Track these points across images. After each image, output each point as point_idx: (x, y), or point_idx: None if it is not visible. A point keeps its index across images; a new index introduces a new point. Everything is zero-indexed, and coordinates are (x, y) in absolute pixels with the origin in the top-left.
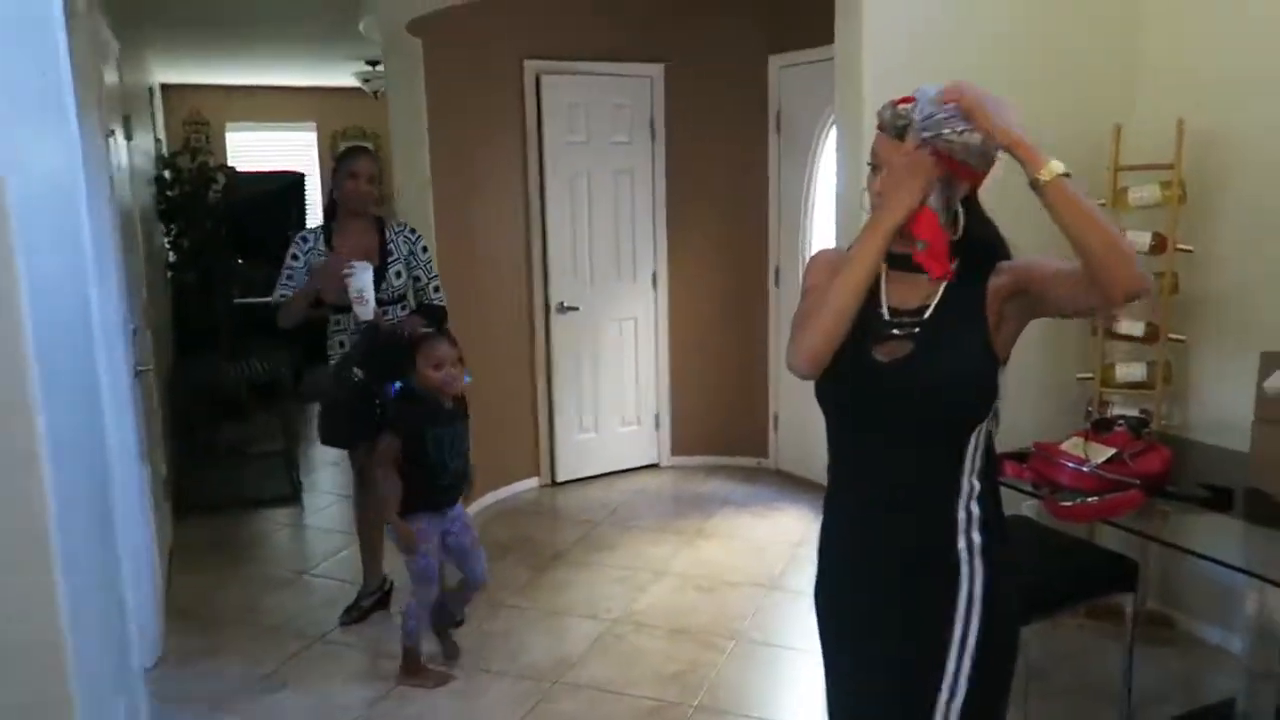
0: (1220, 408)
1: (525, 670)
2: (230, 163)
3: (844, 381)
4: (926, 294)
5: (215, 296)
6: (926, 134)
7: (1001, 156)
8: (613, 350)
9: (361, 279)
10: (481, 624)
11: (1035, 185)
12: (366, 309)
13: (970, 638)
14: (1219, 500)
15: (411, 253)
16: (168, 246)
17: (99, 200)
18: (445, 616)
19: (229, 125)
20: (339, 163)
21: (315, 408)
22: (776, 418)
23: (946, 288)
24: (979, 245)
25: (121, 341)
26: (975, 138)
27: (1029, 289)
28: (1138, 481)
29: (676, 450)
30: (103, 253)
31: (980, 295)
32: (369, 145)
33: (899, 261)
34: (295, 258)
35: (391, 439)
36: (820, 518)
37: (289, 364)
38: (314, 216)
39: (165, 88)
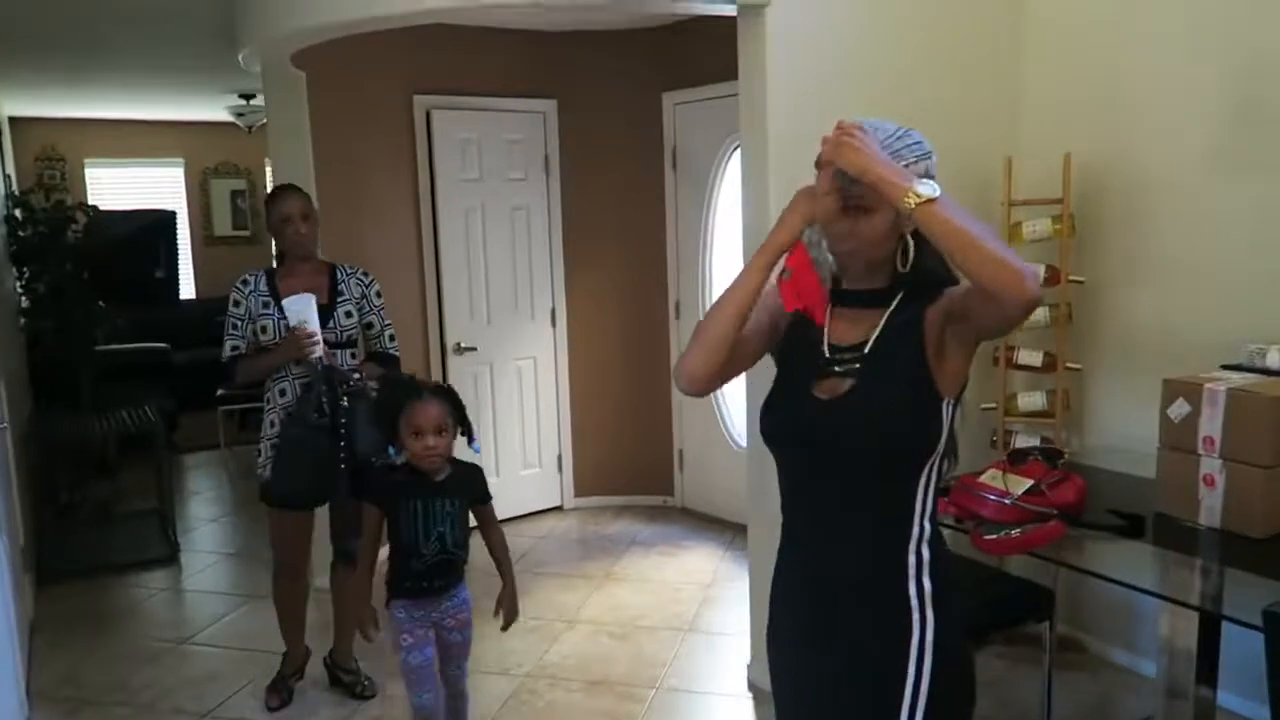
0: (1119, 434)
1: None
2: (91, 201)
3: (786, 421)
4: (868, 329)
5: (75, 344)
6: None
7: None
8: (512, 391)
9: (303, 309)
10: (386, 684)
11: (904, 215)
12: (315, 347)
13: (922, 690)
14: (1131, 528)
15: (364, 296)
16: (20, 291)
17: None
18: None
19: (88, 161)
20: (269, 207)
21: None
22: (681, 454)
23: (887, 321)
24: (927, 275)
25: None
26: (919, 168)
27: (960, 313)
28: (1056, 512)
29: (580, 491)
30: None
31: (918, 327)
32: (294, 184)
33: (844, 298)
34: (236, 304)
35: (369, 508)
36: (730, 555)
37: (161, 413)
38: (184, 256)
39: (14, 120)
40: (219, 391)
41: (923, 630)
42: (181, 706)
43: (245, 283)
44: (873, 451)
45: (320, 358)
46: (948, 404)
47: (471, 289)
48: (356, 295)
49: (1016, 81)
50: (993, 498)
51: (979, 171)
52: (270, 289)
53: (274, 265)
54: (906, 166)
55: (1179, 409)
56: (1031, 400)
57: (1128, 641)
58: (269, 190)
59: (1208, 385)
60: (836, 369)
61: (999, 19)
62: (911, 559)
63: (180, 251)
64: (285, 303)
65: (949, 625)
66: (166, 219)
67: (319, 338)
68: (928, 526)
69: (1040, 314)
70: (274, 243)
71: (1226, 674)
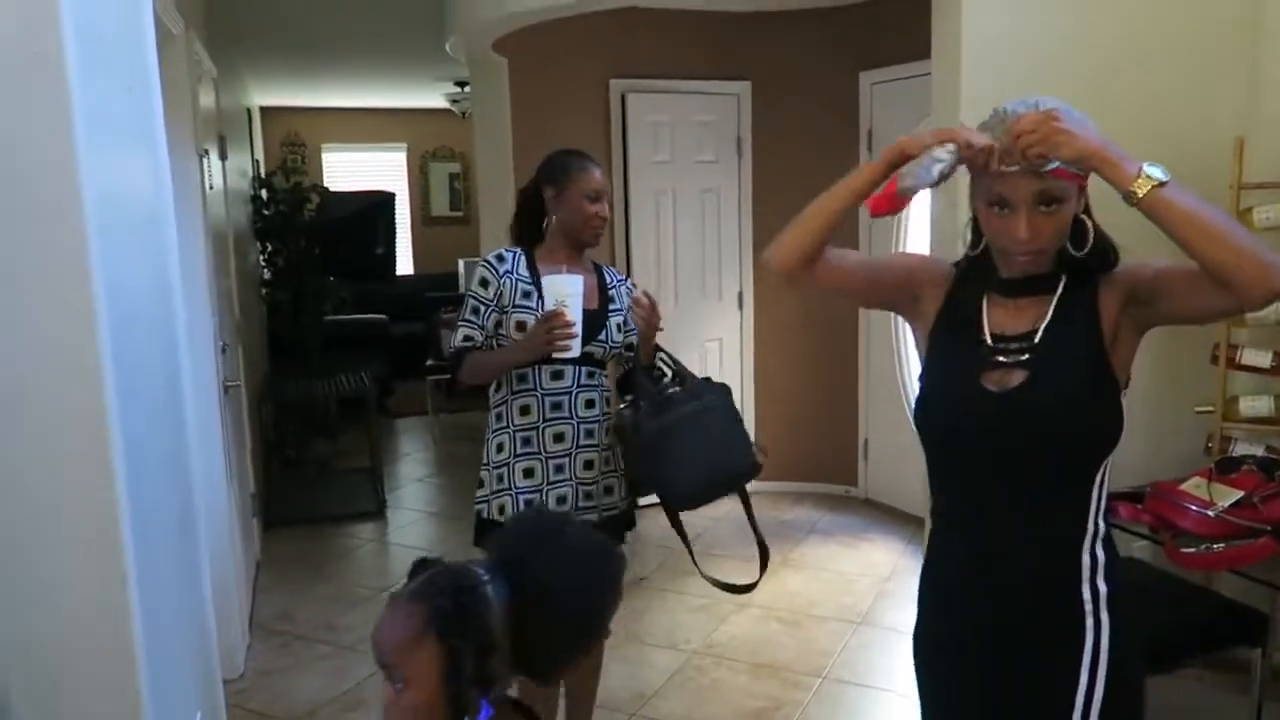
0: None
1: (602, 700)
2: (325, 183)
3: (952, 413)
4: (1034, 317)
5: (307, 314)
6: (1056, 164)
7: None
8: (697, 372)
9: (568, 291)
10: None
11: (1130, 200)
12: (570, 342)
13: (1095, 699)
14: None
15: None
16: (263, 264)
17: (190, 219)
18: None
19: (324, 146)
20: (559, 173)
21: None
22: (866, 444)
23: (1056, 308)
24: (1090, 257)
25: (210, 357)
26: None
27: (1146, 296)
28: (1269, 528)
29: (762, 475)
30: (192, 270)
31: (1094, 313)
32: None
33: (1001, 286)
34: (484, 283)
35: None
36: (911, 550)
37: (376, 381)
38: (402, 235)
39: (264, 110)
40: (429, 362)
41: (1097, 635)
42: None
43: (501, 260)
44: (1051, 447)
45: (576, 356)
46: (1123, 393)
47: (660, 270)
48: (625, 306)
49: (1255, 48)
50: (1194, 508)
51: (1202, 152)
52: (533, 274)
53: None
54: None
55: None
56: (1256, 405)
57: None
58: (556, 157)
59: None
60: (1002, 359)
61: None
62: (1086, 559)
63: (399, 230)
64: (546, 280)
65: (1125, 631)
66: (387, 199)
67: (577, 331)
68: (1103, 525)
69: (1271, 309)
70: (546, 222)
71: None
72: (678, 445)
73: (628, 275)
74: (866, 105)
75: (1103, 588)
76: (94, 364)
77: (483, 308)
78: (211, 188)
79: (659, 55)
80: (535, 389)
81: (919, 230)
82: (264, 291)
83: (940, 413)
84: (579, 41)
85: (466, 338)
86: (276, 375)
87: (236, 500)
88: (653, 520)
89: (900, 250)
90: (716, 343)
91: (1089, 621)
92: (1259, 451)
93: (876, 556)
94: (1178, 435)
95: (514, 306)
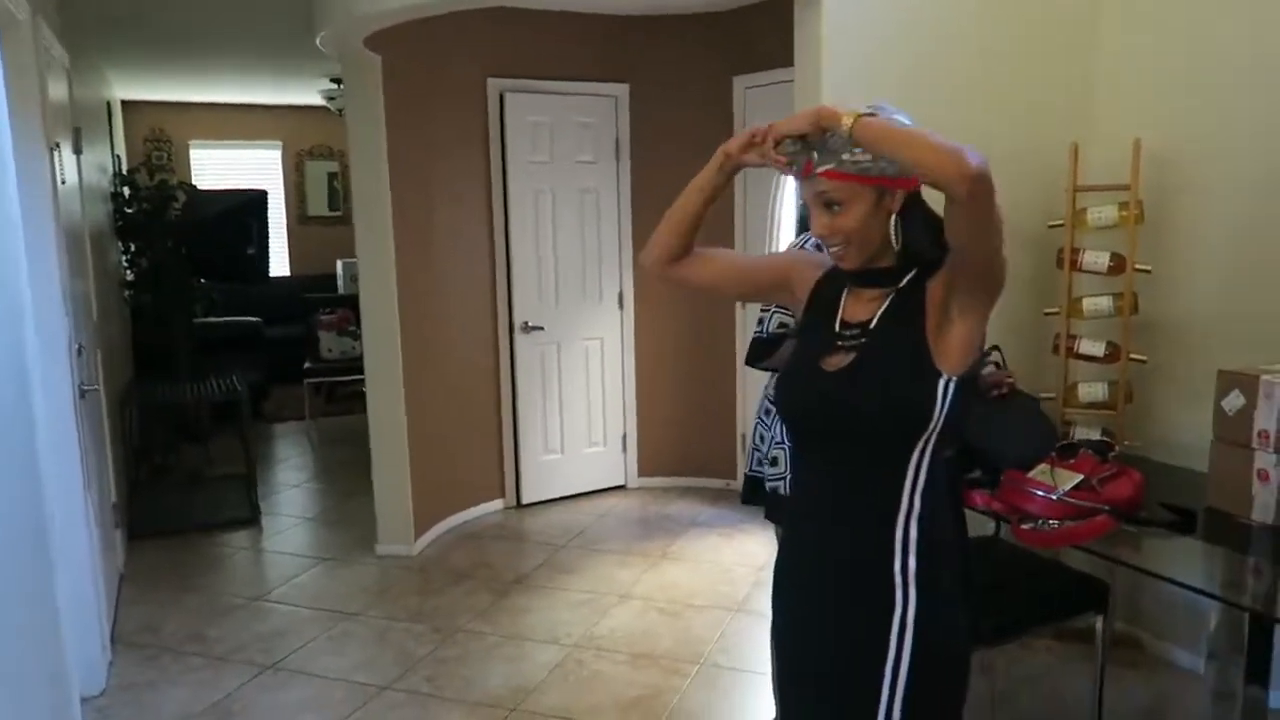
0: (1181, 428)
1: (482, 698)
2: (194, 180)
3: (794, 393)
4: (876, 306)
5: (174, 315)
6: (829, 166)
7: None
8: (578, 370)
9: None
10: (438, 650)
11: (848, 137)
12: None
13: (902, 667)
14: (1183, 523)
15: None
16: (125, 265)
17: (39, 215)
18: None
19: (192, 143)
20: None
21: (278, 429)
22: (744, 439)
23: (892, 298)
24: (927, 253)
25: (63, 360)
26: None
27: (954, 278)
28: (1106, 507)
29: (644, 471)
30: (41, 269)
31: (920, 302)
32: None
33: (860, 277)
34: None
35: None
36: None
37: (249, 385)
38: (277, 235)
39: (126, 104)
40: (306, 364)
41: (905, 609)
42: (251, 659)
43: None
44: (866, 422)
45: None
46: (947, 380)
47: (540, 269)
48: None
49: (1088, 65)
50: (1040, 493)
51: (1043, 156)
52: None
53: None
54: (855, 155)
55: (1233, 401)
56: (1092, 391)
57: (1187, 641)
58: None
59: (1264, 377)
60: (841, 343)
61: None
62: (898, 534)
63: (271, 230)
64: None
65: (934, 606)
66: (258, 198)
67: None
68: (918, 504)
69: (1104, 303)
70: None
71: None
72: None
73: (508, 275)
74: (740, 108)
75: (913, 564)
76: None
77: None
78: (64, 183)
79: (538, 56)
80: None
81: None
82: (127, 293)
83: (785, 392)
84: (456, 40)
85: (782, 328)
86: (142, 379)
87: (95, 509)
88: (534, 518)
89: (774, 244)
90: (598, 342)
91: (898, 595)
92: (1095, 435)
93: (753, 546)
94: (1030, 332)
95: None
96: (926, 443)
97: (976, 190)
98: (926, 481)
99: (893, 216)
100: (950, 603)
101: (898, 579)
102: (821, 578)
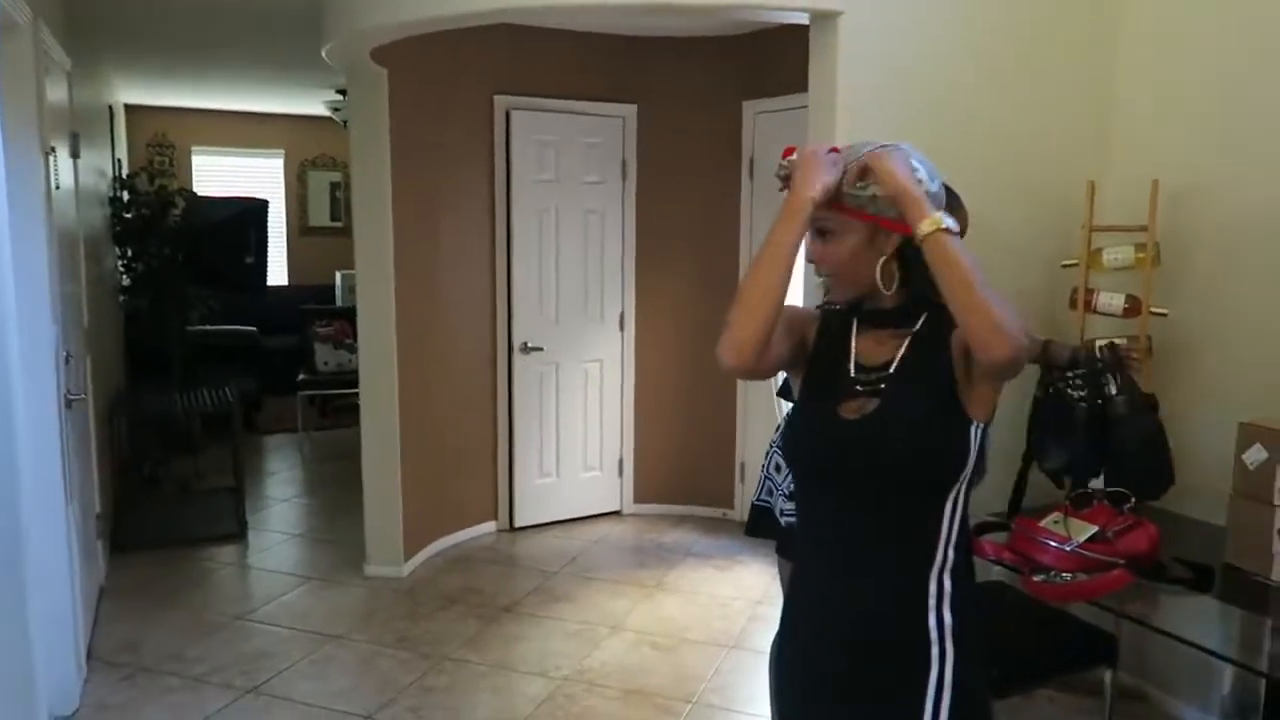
0: (1196, 476)
1: None
2: (196, 187)
3: (811, 440)
4: (894, 348)
5: (169, 323)
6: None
7: None
8: (576, 393)
9: None
10: (424, 678)
11: (916, 237)
12: None
13: None
14: (1200, 579)
15: None
16: (121, 270)
17: (30, 219)
18: None
19: (195, 149)
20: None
21: (270, 441)
22: (743, 467)
23: (912, 341)
24: (932, 298)
25: (50, 368)
26: (885, 188)
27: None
28: (1121, 561)
29: (640, 498)
30: (30, 273)
31: (946, 348)
32: None
33: (869, 317)
34: None
35: None
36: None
37: (243, 396)
38: (277, 245)
39: (130, 108)
40: (300, 376)
41: (942, 666)
42: (230, 681)
43: None
44: (897, 471)
45: None
46: (976, 428)
47: (541, 289)
48: None
49: (1106, 102)
50: (1053, 544)
51: (1059, 192)
52: None
53: None
54: (868, 186)
55: (1255, 455)
56: None
57: (1195, 697)
58: None
59: None
60: (860, 388)
61: (1091, 33)
62: (933, 588)
63: (271, 239)
64: None
65: (968, 661)
66: (258, 207)
67: None
68: (952, 555)
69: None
70: None
71: None
72: None
73: (509, 294)
74: (749, 133)
75: (948, 618)
76: None
77: None
78: (58, 187)
79: (546, 74)
80: None
81: None
82: (122, 299)
83: (799, 441)
84: (463, 55)
85: None
86: (133, 388)
87: (77, 521)
88: (527, 542)
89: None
90: (597, 364)
91: (934, 651)
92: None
93: (751, 580)
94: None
95: None
96: (959, 490)
97: (1005, 365)
98: (960, 532)
99: (881, 259)
100: (982, 660)
101: (933, 634)
102: (852, 636)
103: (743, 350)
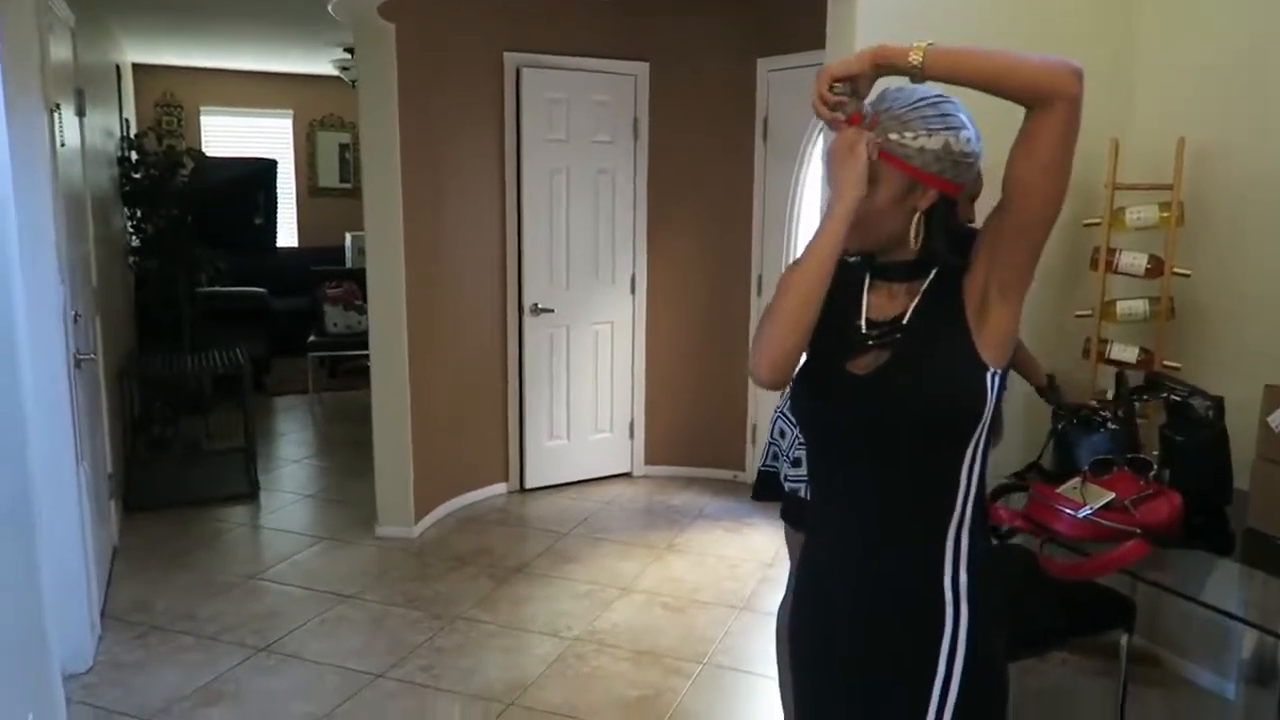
0: None
1: (479, 690)
2: (205, 148)
3: (819, 398)
4: (905, 301)
5: (178, 284)
6: (874, 137)
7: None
8: (587, 354)
9: None
10: (435, 638)
11: (918, 71)
12: None
13: (953, 686)
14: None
15: None
16: (130, 231)
17: (34, 177)
18: None
19: (203, 109)
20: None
21: (280, 403)
22: (754, 429)
23: (925, 292)
24: (943, 258)
25: (57, 327)
26: (934, 141)
27: (994, 247)
28: (1138, 530)
29: (650, 460)
30: (36, 232)
31: (957, 293)
32: None
33: (881, 271)
34: None
35: None
36: None
37: (252, 357)
38: (286, 206)
39: (138, 67)
40: (311, 338)
41: (955, 627)
42: (243, 640)
43: None
44: (914, 423)
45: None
46: (992, 375)
47: (552, 251)
48: None
49: (1129, 59)
50: (1069, 511)
51: (1081, 148)
52: None
53: None
54: (917, 136)
55: None
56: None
57: (1211, 661)
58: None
59: None
60: (871, 343)
61: None
62: (949, 547)
63: (280, 200)
64: None
65: (983, 623)
66: (267, 167)
67: None
68: (969, 512)
69: (1140, 306)
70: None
71: None
72: None
73: (519, 255)
74: (763, 92)
75: (964, 578)
76: None
77: None
78: (63, 145)
79: (557, 31)
80: None
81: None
82: (131, 260)
83: (805, 398)
84: (472, 11)
85: None
86: (144, 349)
87: (89, 481)
88: (537, 504)
89: (794, 232)
90: (608, 325)
91: (949, 612)
92: (1133, 356)
93: (760, 542)
94: (1060, 336)
95: None
96: (977, 443)
97: (1079, 95)
98: (978, 486)
99: (917, 214)
100: (999, 616)
101: (948, 595)
102: (862, 596)
103: (782, 367)
